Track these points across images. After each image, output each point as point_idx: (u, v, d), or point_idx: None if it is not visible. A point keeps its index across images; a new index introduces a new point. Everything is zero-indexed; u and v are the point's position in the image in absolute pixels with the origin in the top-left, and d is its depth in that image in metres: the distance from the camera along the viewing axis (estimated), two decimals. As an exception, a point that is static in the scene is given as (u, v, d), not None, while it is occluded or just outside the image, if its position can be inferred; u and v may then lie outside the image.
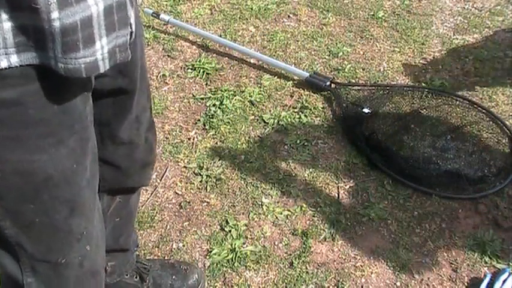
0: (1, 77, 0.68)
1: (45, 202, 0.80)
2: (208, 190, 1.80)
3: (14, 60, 0.67)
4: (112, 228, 1.25)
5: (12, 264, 0.86)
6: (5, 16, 0.64)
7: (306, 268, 1.57)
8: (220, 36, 2.50)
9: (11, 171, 0.75)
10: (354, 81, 2.23)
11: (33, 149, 0.75)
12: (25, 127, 0.73)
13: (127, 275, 1.39)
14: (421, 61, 2.34)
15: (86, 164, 0.83)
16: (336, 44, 2.45)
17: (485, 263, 1.57)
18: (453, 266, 1.56)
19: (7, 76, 0.68)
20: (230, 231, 1.67)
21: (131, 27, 0.77)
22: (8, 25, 0.65)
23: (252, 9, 2.69)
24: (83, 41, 0.67)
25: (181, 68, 2.35)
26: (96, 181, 0.91)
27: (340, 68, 2.30)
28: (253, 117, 2.08)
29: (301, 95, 2.16)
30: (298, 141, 1.96)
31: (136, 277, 1.41)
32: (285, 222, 1.70)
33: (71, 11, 0.64)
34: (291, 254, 1.61)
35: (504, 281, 1.48)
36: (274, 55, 2.38)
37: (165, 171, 1.87)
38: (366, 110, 2.02)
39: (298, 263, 1.58)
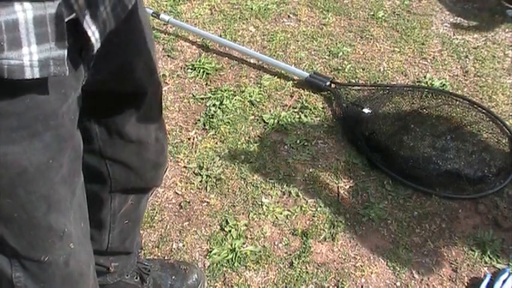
0: None
1: (21, 197, 0.80)
2: (208, 190, 1.81)
3: None
4: (120, 230, 1.25)
5: (1, 258, 0.86)
6: None
7: (306, 268, 1.57)
8: (220, 36, 2.50)
9: None
10: (354, 81, 2.23)
11: (5, 141, 0.75)
12: None
13: (127, 276, 1.39)
14: (421, 61, 2.34)
15: (62, 161, 0.83)
16: (336, 44, 2.45)
17: (485, 263, 1.57)
18: (453, 266, 1.57)
19: None
20: (230, 231, 1.67)
21: (90, 43, 0.77)
22: None
23: (252, 9, 2.69)
24: (8, 42, 0.67)
25: (181, 68, 2.35)
26: (76, 181, 0.91)
27: (340, 68, 2.30)
28: (253, 117, 2.08)
29: (301, 95, 2.16)
30: (298, 141, 1.96)
31: (136, 277, 1.41)
32: (285, 222, 1.70)
33: None
34: (291, 254, 1.61)
35: (504, 281, 1.48)
36: (274, 55, 2.38)
37: (165, 171, 1.87)
38: (366, 110, 2.02)
39: (298, 263, 1.58)
